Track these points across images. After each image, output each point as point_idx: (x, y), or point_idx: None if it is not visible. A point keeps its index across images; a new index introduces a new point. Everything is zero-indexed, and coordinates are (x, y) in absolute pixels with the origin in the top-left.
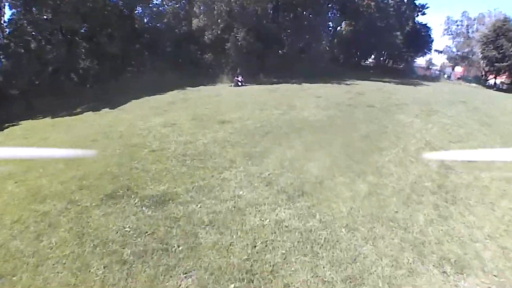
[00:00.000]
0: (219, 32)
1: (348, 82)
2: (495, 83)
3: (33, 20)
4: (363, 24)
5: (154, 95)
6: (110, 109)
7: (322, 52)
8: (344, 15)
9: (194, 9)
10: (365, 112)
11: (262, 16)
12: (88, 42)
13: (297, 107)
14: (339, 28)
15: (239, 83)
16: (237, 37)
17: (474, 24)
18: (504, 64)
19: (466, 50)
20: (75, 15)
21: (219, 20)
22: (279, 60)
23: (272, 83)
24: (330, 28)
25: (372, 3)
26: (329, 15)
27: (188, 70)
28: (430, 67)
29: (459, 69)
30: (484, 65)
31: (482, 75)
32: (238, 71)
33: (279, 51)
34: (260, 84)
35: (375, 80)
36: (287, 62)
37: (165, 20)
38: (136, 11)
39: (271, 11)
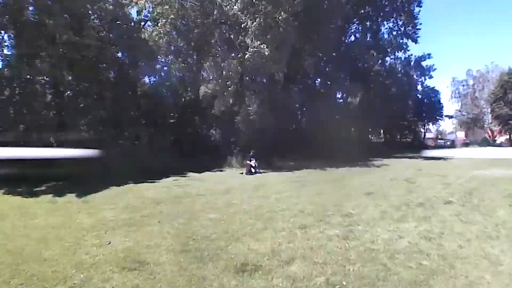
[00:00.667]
0: (230, 101)
1: (377, 162)
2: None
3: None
4: (374, 93)
5: (143, 181)
6: (76, 197)
7: (337, 126)
8: (355, 83)
9: (202, 72)
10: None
11: (273, 86)
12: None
13: (357, 220)
14: (349, 99)
15: (253, 170)
16: (250, 110)
17: (479, 83)
18: None
19: (476, 112)
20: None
21: (229, 88)
22: (292, 137)
23: (291, 169)
24: (340, 100)
25: (381, 69)
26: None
27: (190, 148)
28: (440, 136)
29: (460, 134)
30: (497, 124)
31: (490, 136)
32: (251, 153)
33: (292, 127)
34: (277, 169)
35: (400, 157)
36: (301, 139)
37: (168, 83)
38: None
39: (283, 81)
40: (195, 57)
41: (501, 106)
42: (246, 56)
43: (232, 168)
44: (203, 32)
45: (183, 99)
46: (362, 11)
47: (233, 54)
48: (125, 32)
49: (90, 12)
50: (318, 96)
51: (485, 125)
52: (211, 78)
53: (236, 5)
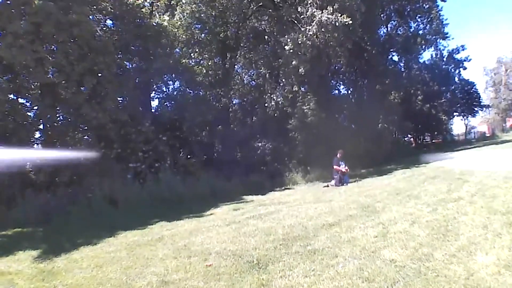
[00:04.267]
0: (282, 102)
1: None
2: None
3: None
4: (415, 91)
5: (147, 225)
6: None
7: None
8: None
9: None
10: None
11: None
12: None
13: None
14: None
15: (342, 180)
16: (305, 110)
17: (508, 69)
18: None
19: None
20: None
21: (286, 87)
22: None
23: (369, 175)
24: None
25: (415, 66)
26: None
27: (230, 167)
28: (472, 130)
29: (482, 127)
30: None
31: None
32: (339, 155)
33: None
34: (361, 177)
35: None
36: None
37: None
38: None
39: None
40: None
41: None
42: (309, 31)
43: (300, 185)
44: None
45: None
46: (396, 5)
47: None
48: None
49: None
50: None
51: None
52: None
53: None
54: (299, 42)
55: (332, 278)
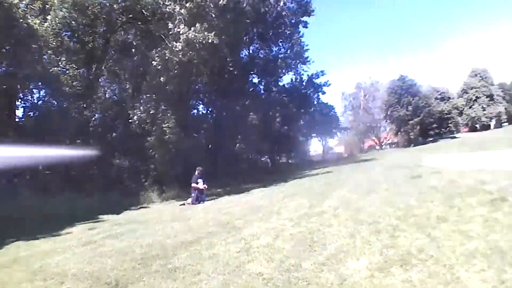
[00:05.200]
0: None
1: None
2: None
3: None
4: (274, 113)
5: (3, 245)
6: None
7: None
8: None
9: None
10: None
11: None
12: None
13: None
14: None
15: (199, 198)
16: (165, 128)
17: (370, 94)
18: (417, 119)
19: (369, 120)
20: None
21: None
22: (208, 159)
23: (231, 193)
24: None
25: (275, 89)
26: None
27: (85, 183)
28: (329, 151)
29: (339, 149)
30: (395, 127)
31: (376, 143)
32: (198, 172)
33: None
34: (217, 195)
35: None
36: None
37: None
38: None
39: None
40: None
41: (397, 109)
42: (176, 48)
43: (156, 203)
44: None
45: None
46: (260, 29)
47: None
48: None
49: None
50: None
51: (380, 131)
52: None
53: None
54: (166, 58)
55: None
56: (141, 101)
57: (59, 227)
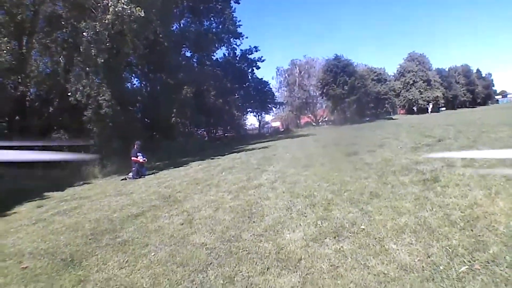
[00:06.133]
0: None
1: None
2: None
3: None
4: (207, 86)
5: None
6: None
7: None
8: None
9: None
10: None
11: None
12: None
13: None
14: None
15: (140, 172)
16: (101, 101)
17: (305, 70)
18: (353, 97)
19: (305, 96)
20: None
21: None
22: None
23: (169, 166)
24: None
25: (208, 63)
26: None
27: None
28: (266, 125)
29: (275, 123)
30: (332, 104)
31: (312, 120)
32: (136, 146)
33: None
34: (158, 169)
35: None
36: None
37: None
38: None
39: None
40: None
41: (333, 87)
42: (105, 20)
43: (98, 179)
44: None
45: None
46: (190, 3)
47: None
48: None
49: None
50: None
51: (316, 108)
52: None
53: None
54: (97, 30)
55: (147, 266)
56: (75, 74)
57: (7, 208)
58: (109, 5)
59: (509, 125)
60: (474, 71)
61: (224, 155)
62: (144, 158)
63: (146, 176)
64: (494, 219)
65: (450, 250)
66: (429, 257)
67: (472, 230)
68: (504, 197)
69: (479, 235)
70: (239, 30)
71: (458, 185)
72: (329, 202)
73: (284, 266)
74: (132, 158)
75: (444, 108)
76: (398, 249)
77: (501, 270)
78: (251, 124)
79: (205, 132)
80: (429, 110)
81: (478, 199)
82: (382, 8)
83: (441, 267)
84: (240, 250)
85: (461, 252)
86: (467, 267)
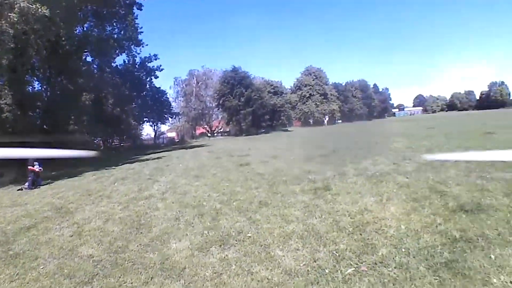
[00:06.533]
0: None
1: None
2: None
3: None
4: (106, 94)
5: None
6: None
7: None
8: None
9: None
10: None
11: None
12: None
13: None
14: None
15: (35, 182)
16: (2, 105)
17: (203, 81)
18: (249, 109)
19: (202, 107)
20: None
21: None
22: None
23: (66, 176)
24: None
25: (108, 70)
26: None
27: None
28: (162, 136)
29: (171, 134)
30: (227, 116)
31: (208, 131)
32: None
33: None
34: (54, 178)
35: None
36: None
37: None
38: None
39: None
40: None
41: (229, 99)
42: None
43: None
44: None
45: None
46: (94, 7)
47: None
48: None
49: None
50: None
51: (212, 119)
52: None
53: None
54: (2, 29)
55: (35, 279)
56: None
57: None
58: (15, 2)
59: (405, 136)
60: (371, 86)
61: (118, 165)
62: (40, 168)
63: (41, 186)
64: (385, 224)
65: (337, 254)
66: (315, 262)
67: (361, 235)
68: (396, 202)
69: (368, 239)
70: (140, 37)
71: (350, 193)
72: (217, 212)
73: (168, 275)
74: (29, 167)
75: (340, 121)
76: (283, 255)
77: (389, 271)
78: (147, 134)
79: (101, 141)
80: (325, 122)
81: (369, 205)
82: (279, 25)
83: (326, 271)
84: (126, 261)
85: (349, 255)
86: (353, 269)
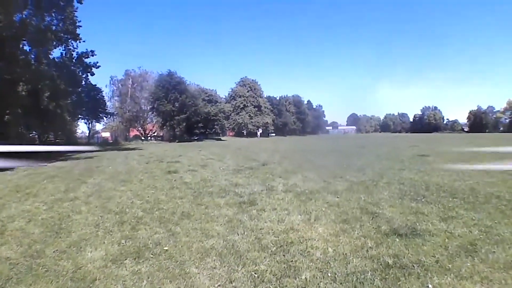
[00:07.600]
0: None
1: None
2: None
3: None
4: (42, 86)
5: None
6: None
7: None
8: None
9: None
10: None
11: None
12: None
13: None
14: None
15: None
16: None
17: (138, 83)
18: (183, 116)
19: (136, 109)
20: None
21: None
22: None
23: None
24: None
25: (45, 61)
26: None
27: None
28: (96, 135)
29: (105, 134)
30: (161, 120)
31: (142, 134)
32: None
33: None
34: None
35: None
36: None
37: None
38: None
39: None
40: None
41: (164, 103)
42: None
43: None
44: None
45: None
46: None
47: None
48: None
49: None
50: None
51: (146, 122)
52: None
53: None
54: None
55: None
56: None
57: None
58: None
59: (336, 152)
60: (305, 102)
61: (51, 161)
62: None
63: None
64: (311, 245)
65: (256, 275)
66: (231, 283)
67: (284, 255)
68: (324, 222)
69: (292, 261)
70: (78, 31)
71: (276, 209)
72: (138, 221)
73: (77, 286)
74: None
75: (274, 134)
76: (199, 273)
77: None
78: (82, 132)
79: (36, 136)
80: (259, 134)
81: (296, 224)
82: (217, 31)
83: None
84: (40, 267)
85: (269, 277)
86: None
